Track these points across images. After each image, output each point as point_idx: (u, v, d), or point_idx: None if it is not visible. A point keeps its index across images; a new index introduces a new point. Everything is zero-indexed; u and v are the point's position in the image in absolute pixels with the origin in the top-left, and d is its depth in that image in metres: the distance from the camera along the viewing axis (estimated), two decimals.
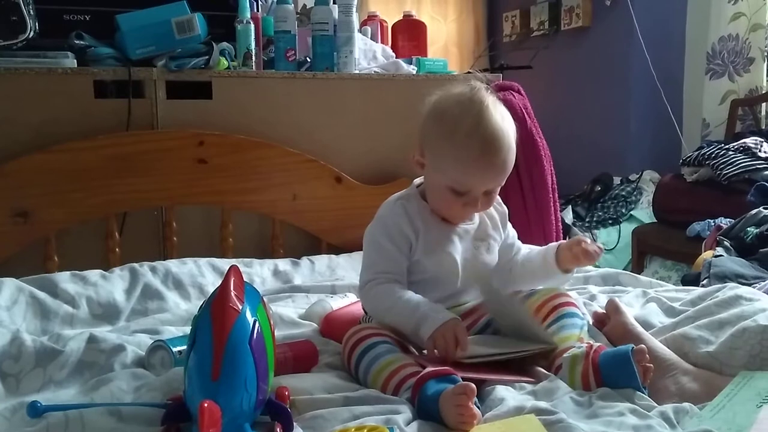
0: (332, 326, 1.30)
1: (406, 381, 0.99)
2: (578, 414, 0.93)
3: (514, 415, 0.91)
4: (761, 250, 1.91)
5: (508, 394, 0.99)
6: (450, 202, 1.17)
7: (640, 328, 1.17)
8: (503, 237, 1.29)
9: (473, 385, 0.89)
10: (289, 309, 1.46)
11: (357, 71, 2.12)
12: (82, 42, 1.84)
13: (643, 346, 1.02)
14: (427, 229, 1.19)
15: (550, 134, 2.36)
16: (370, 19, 2.50)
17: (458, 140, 1.13)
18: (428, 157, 1.18)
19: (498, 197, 1.27)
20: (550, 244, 1.25)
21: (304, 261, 1.81)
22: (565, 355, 1.06)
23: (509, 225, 1.31)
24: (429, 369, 0.98)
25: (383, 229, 1.19)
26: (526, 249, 1.31)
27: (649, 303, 1.38)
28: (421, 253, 1.18)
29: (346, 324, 1.25)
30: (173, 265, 1.62)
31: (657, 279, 1.78)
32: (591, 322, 1.25)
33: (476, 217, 1.25)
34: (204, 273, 1.62)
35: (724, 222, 2.28)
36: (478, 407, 0.92)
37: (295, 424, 0.89)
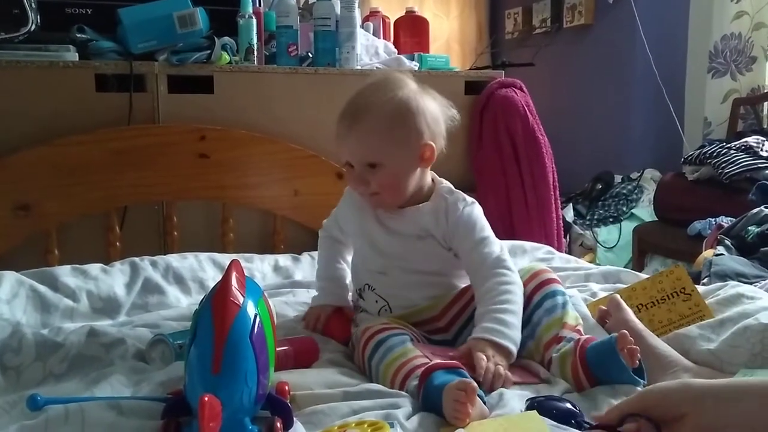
0: (331, 326, 1.27)
1: (415, 371, 1.00)
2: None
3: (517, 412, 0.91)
4: (762, 249, 1.90)
5: (511, 390, 0.99)
6: (347, 179, 1.25)
7: (641, 325, 1.17)
8: (451, 235, 1.20)
9: (474, 384, 0.89)
10: (289, 307, 1.45)
11: (359, 67, 2.12)
12: (83, 35, 1.84)
13: (624, 331, 1.02)
14: (363, 218, 1.25)
15: (551, 132, 2.36)
16: (372, 14, 2.50)
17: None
18: None
19: (465, 197, 1.23)
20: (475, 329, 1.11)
21: (305, 257, 1.80)
22: (554, 354, 1.07)
23: (469, 226, 1.21)
24: (438, 361, 0.98)
25: (339, 202, 1.35)
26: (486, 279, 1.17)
27: None
28: (356, 238, 1.28)
29: (345, 323, 1.25)
30: (174, 259, 1.62)
31: None
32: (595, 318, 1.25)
33: (421, 210, 1.21)
34: (204, 268, 1.62)
35: (725, 221, 2.28)
36: (484, 402, 0.92)
37: (294, 419, 0.89)
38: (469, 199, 1.25)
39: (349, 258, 1.36)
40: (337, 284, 1.32)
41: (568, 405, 0.89)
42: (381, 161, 1.16)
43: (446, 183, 1.27)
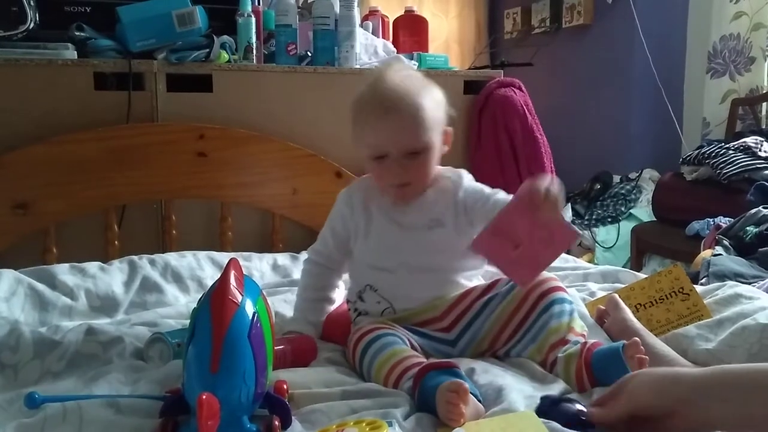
0: (330, 328, 1.27)
1: (408, 371, 0.99)
2: None
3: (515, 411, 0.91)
4: (760, 249, 1.91)
5: (509, 385, 0.99)
6: (377, 172, 1.21)
7: (639, 324, 1.17)
8: (468, 206, 1.21)
9: (466, 385, 0.89)
10: (288, 306, 1.45)
11: (358, 66, 2.12)
12: (82, 34, 1.83)
13: (636, 339, 1.01)
14: (369, 217, 1.23)
15: (550, 131, 2.36)
16: (371, 13, 2.50)
17: (362, 106, 1.19)
18: (355, 140, 1.22)
19: (457, 171, 1.26)
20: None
21: (304, 256, 1.80)
22: (560, 354, 1.06)
23: (477, 189, 1.24)
24: (432, 360, 0.98)
25: (330, 215, 1.31)
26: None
27: None
28: (362, 239, 1.24)
29: (343, 325, 1.25)
30: (172, 258, 1.62)
31: None
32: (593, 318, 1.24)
33: (427, 197, 1.22)
34: (203, 266, 1.62)
35: (724, 221, 2.28)
36: (479, 401, 0.92)
37: (293, 417, 0.89)
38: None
39: (335, 283, 1.32)
40: (321, 313, 1.29)
41: (578, 407, 0.89)
42: (425, 147, 1.17)
43: (440, 167, 1.26)
